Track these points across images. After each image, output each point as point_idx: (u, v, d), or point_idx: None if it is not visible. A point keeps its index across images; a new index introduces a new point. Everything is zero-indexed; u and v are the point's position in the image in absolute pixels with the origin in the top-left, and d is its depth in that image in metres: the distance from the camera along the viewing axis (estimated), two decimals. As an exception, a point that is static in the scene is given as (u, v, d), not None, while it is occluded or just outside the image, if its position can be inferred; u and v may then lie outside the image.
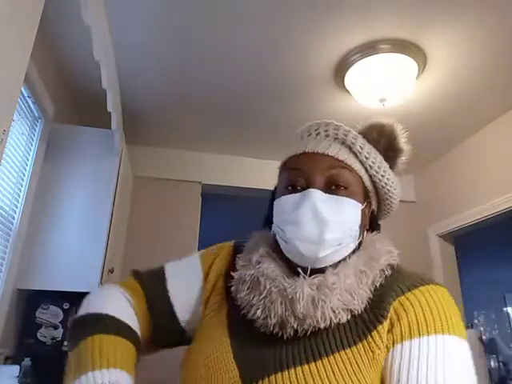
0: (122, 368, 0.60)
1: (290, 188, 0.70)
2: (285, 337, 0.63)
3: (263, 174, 3.27)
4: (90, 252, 2.03)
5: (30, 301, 2.02)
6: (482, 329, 6.61)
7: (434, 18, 1.81)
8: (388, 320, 0.62)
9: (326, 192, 0.67)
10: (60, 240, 2.03)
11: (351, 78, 2.16)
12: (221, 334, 0.68)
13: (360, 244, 0.71)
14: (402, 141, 0.76)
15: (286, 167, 0.74)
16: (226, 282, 0.74)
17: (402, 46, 1.97)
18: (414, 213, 3.35)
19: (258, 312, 0.64)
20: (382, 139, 0.75)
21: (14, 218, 1.92)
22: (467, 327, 3.01)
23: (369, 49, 1.99)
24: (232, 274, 0.72)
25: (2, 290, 1.81)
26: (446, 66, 2.13)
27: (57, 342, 1.98)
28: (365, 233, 0.73)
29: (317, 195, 0.66)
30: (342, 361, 0.59)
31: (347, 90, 2.29)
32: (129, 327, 0.68)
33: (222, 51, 2.07)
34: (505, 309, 6.97)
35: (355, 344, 0.60)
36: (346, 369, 0.58)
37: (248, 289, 0.67)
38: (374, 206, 0.76)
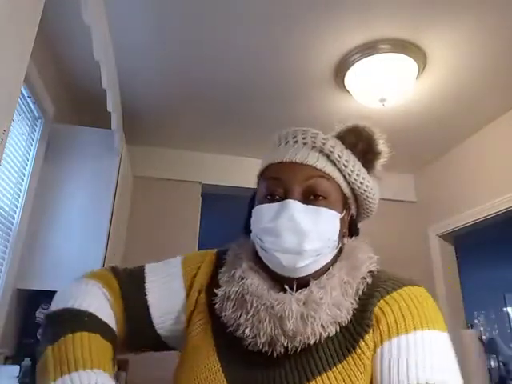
0: (105, 370, 0.57)
1: (268, 197, 0.70)
2: (275, 354, 0.62)
3: (263, 173, 3.28)
4: (90, 252, 2.03)
5: (30, 301, 2.02)
6: (481, 329, 6.62)
7: (434, 18, 1.81)
8: (371, 329, 0.63)
9: (304, 202, 0.67)
10: (60, 240, 2.03)
11: (351, 78, 2.16)
12: (209, 353, 0.66)
13: (340, 250, 0.72)
14: (380, 143, 0.75)
15: (264, 176, 0.74)
16: (209, 296, 0.71)
17: (402, 46, 1.97)
18: (414, 213, 3.35)
19: (247, 331, 0.63)
20: (360, 143, 0.75)
21: (14, 218, 1.92)
22: (467, 327, 3.01)
23: (369, 49, 1.99)
24: (215, 291, 0.70)
25: (2, 290, 1.81)
26: (446, 66, 2.13)
27: (57, 342, 1.98)
28: (345, 239, 0.73)
29: (295, 206, 0.66)
30: (335, 377, 0.59)
31: (347, 90, 2.29)
32: (108, 327, 0.65)
33: (221, 51, 2.07)
34: (505, 309, 6.97)
35: (345, 358, 0.61)
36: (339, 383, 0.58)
37: (234, 306, 0.66)
38: (353, 211, 0.76)
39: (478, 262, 5.60)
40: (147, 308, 0.71)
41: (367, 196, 0.75)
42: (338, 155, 0.71)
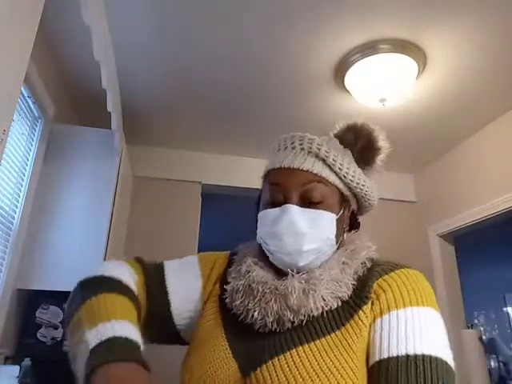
0: (133, 324, 0.61)
1: (270, 202, 0.75)
2: (282, 331, 0.67)
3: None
4: (90, 252, 2.03)
5: (30, 301, 2.02)
6: (482, 329, 6.62)
7: (434, 18, 1.81)
8: (370, 301, 0.68)
9: (302, 206, 0.72)
10: (60, 240, 2.03)
11: (351, 78, 2.16)
12: (218, 336, 0.71)
13: (340, 245, 0.77)
14: (380, 139, 0.79)
15: (267, 180, 0.79)
16: (221, 291, 0.78)
17: (402, 46, 1.97)
18: (414, 213, 3.35)
19: (255, 314, 0.68)
20: (359, 141, 0.79)
21: (14, 218, 1.92)
22: (467, 327, 3.01)
23: (369, 49, 1.99)
24: (225, 286, 0.76)
25: (2, 290, 1.81)
26: (446, 66, 2.13)
27: (57, 342, 1.98)
28: (344, 234, 0.79)
29: (293, 210, 0.72)
30: (333, 341, 0.64)
31: (347, 90, 2.29)
32: (136, 296, 0.70)
33: (221, 51, 2.07)
34: (505, 309, 6.98)
35: (344, 325, 0.66)
36: (337, 347, 0.63)
37: (242, 296, 0.71)
38: (354, 207, 0.81)
39: (478, 262, 5.60)
40: (167, 293, 0.77)
41: (365, 194, 0.79)
42: (333, 159, 0.75)
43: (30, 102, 1.97)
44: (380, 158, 0.80)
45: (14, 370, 1.60)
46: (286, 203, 0.73)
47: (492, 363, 3.93)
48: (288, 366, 0.61)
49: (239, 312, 0.71)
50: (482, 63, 2.10)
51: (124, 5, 1.77)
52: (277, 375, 0.61)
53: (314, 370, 0.60)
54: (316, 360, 0.62)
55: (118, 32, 1.90)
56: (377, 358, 0.62)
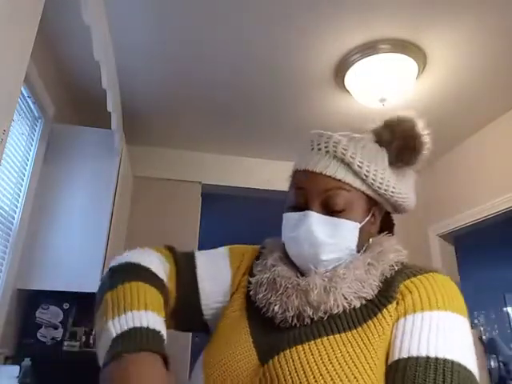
0: (159, 314, 0.61)
1: (293, 206, 0.74)
2: (302, 326, 0.67)
3: (263, 174, 3.28)
4: (90, 252, 2.03)
5: (30, 301, 2.02)
6: (482, 329, 6.61)
7: (434, 18, 1.81)
8: (395, 301, 0.65)
9: (323, 213, 0.70)
10: (60, 240, 2.03)
11: (351, 78, 2.16)
12: (241, 324, 0.72)
13: (366, 248, 0.75)
14: (418, 138, 0.73)
15: (292, 181, 0.78)
16: (247, 284, 0.78)
17: (402, 46, 1.97)
18: (414, 213, 3.34)
19: (276, 308, 0.68)
20: (395, 140, 0.74)
21: (14, 218, 1.92)
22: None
23: (369, 49, 1.99)
24: (250, 279, 0.76)
25: (2, 290, 1.81)
26: (446, 66, 2.13)
27: (57, 342, 1.98)
28: (370, 240, 0.76)
29: (313, 218, 0.70)
30: (353, 336, 0.63)
31: (347, 90, 2.29)
32: (164, 285, 0.70)
33: (221, 51, 2.07)
34: (505, 309, 6.97)
35: (366, 322, 0.64)
36: (356, 343, 0.62)
37: (265, 290, 0.71)
38: (388, 208, 0.78)
39: (478, 261, 5.60)
40: (196, 281, 0.77)
41: (397, 198, 0.75)
42: (359, 165, 0.71)
43: (30, 102, 1.97)
44: (418, 158, 0.74)
45: (14, 370, 1.60)
46: (307, 208, 0.71)
47: (492, 363, 3.93)
48: (305, 356, 0.61)
49: (261, 305, 0.71)
50: (481, 63, 2.10)
51: (124, 5, 1.77)
52: (294, 364, 0.60)
53: (330, 363, 0.59)
54: (334, 353, 0.60)
55: (117, 32, 1.90)
56: (395, 358, 0.60)
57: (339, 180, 0.70)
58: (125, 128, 2.38)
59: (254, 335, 0.68)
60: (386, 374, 0.60)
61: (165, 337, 0.58)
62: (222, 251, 0.84)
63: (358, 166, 0.71)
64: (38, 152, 2.09)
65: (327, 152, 0.73)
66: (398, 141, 0.74)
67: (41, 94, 2.00)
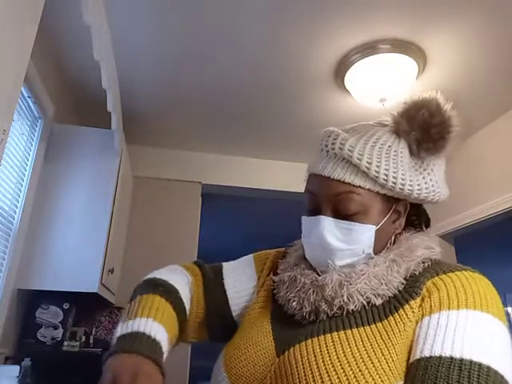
0: (166, 329, 0.65)
1: (308, 210, 0.74)
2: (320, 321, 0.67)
3: (263, 174, 3.28)
4: (90, 252, 2.03)
5: (30, 301, 2.02)
6: (482, 329, 6.60)
7: (434, 18, 1.81)
8: (420, 297, 0.62)
9: (336, 217, 0.68)
10: (60, 240, 2.03)
11: (351, 78, 2.16)
12: (264, 319, 0.73)
13: (391, 246, 0.72)
14: (441, 126, 0.67)
15: (306, 185, 0.76)
16: (272, 283, 0.79)
17: (402, 46, 1.97)
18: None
19: (294, 304, 0.69)
20: (413, 131, 0.68)
21: (14, 218, 1.92)
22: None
23: (369, 49, 1.99)
24: (273, 278, 0.77)
25: (2, 290, 1.81)
26: (446, 66, 2.13)
27: (57, 342, 1.98)
28: (393, 238, 0.72)
29: (324, 224, 0.68)
30: (372, 331, 0.61)
31: (347, 90, 2.29)
32: (184, 305, 0.74)
33: (221, 51, 2.07)
34: (505, 309, 6.97)
35: (387, 317, 0.62)
36: (375, 337, 0.60)
37: (287, 288, 0.72)
38: (415, 202, 0.73)
39: (478, 261, 5.59)
40: (225, 292, 0.80)
41: (418, 193, 0.68)
42: (367, 166, 0.66)
43: (30, 102, 1.97)
44: (443, 145, 0.67)
45: (14, 370, 1.60)
46: (320, 213, 0.69)
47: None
48: (320, 348, 0.60)
49: (283, 303, 0.72)
50: (481, 63, 2.10)
51: (124, 5, 1.77)
52: (307, 356, 0.60)
53: (345, 356, 0.58)
54: (349, 346, 0.59)
55: (118, 32, 1.89)
56: (417, 356, 0.56)
57: (349, 183, 0.67)
58: (125, 128, 2.38)
59: (275, 330, 0.69)
60: (406, 372, 0.57)
61: (162, 344, 0.62)
62: (247, 258, 0.87)
63: (366, 167, 0.66)
64: (37, 152, 2.09)
65: (335, 154, 0.69)
66: (417, 131, 0.68)
67: (41, 94, 2.00)
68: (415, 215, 0.77)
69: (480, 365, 0.51)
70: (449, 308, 0.58)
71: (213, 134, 2.98)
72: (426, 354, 0.55)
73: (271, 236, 3.35)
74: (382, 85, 2.14)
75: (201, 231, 3.12)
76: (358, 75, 2.12)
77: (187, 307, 0.75)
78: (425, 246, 0.70)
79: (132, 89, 2.39)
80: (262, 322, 0.72)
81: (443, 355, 0.54)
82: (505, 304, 6.89)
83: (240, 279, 0.82)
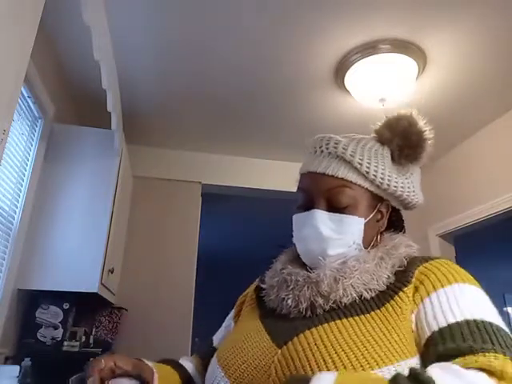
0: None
1: (300, 207, 0.78)
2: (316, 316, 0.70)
3: (263, 174, 3.28)
4: (90, 252, 2.03)
5: (30, 301, 2.02)
6: (482, 329, 6.59)
7: (434, 18, 1.81)
8: (412, 285, 0.68)
9: (328, 210, 0.73)
10: (60, 240, 2.03)
11: (351, 78, 2.16)
12: (254, 320, 0.76)
13: (374, 245, 0.78)
14: (419, 135, 0.76)
15: (298, 185, 0.81)
16: (257, 295, 0.84)
17: (402, 46, 1.97)
18: (414, 213, 3.34)
19: (289, 301, 0.70)
20: (395, 138, 0.76)
21: (14, 218, 1.92)
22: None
23: (369, 49, 1.99)
24: (261, 285, 0.81)
25: (2, 290, 1.81)
26: (445, 66, 2.13)
27: (57, 342, 1.98)
28: (378, 236, 0.79)
29: (318, 216, 0.73)
30: (372, 317, 0.64)
31: (347, 90, 2.29)
32: (185, 372, 0.86)
33: (222, 51, 2.07)
34: (505, 309, 6.97)
35: (383, 305, 0.66)
36: (376, 323, 0.63)
37: (277, 290, 0.75)
38: (395, 205, 0.81)
39: (478, 262, 5.59)
40: (213, 347, 0.88)
41: (400, 194, 0.77)
42: (359, 162, 0.73)
43: (30, 102, 1.97)
44: (420, 154, 0.76)
45: (14, 370, 1.60)
46: (313, 208, 0.74)
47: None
48: (326, 334, 0.62)
49: (275, 305, 0.74)
50: (482, 63, 2.10)
51: (124, 5, 1.77)
52: (315, 342, 0.61)
53: (350, 338, 0.61)
54: (354, 330, 0.62)
55: (118, 32, 1.90)
56: (435, 328, 0.61)
57: (342, 178, 0.73)
58: (125, 128, 2.38)
59: (267, 326, 0.71)
60: (426, 348, 0.61)
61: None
62: (230, 313, 0.92)
63: (359, 163, 0.73)
64: (38, 152, 2.09)
65: (329, 153, 0.76)
66: (398, 138, 0.76)
67: (41, 94, 2.00)
68: (395, 218, 0.84)
69: (491, 323, 0.60)
70: (442, 286, 0.66)
71: (213, 134, 2.98)
72: (443, 324, 0.60)
73: (271, 236, 3.35)
74: (381, 85, 2.14)
75: (201, 231, 3.11)
76: (358, 75, 2.12)
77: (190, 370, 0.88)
78: (406, 245, 0.76)
79: (132, 89, 2.39)
80: (253, 322, 0.75)
81: (459, 320, 0.60)
82: (504, 304, 6.89)
83: (222, 331, 0.91)
